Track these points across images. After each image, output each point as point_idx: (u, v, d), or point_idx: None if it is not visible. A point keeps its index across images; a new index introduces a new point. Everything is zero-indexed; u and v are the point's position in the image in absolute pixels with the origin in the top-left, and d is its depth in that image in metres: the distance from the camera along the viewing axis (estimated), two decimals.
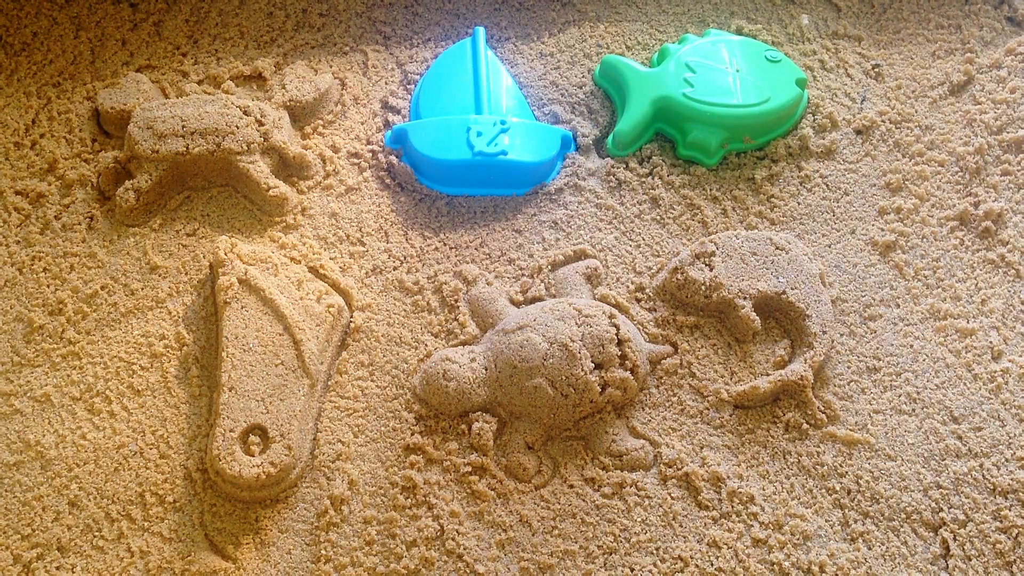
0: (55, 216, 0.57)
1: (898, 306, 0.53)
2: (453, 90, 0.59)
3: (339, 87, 0.62)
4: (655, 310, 0.53)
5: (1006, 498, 0.47)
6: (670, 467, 0.49)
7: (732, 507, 0.48)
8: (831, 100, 0.61)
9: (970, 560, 0.46)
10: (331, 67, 0.63)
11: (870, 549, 0.47)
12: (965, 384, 0.51)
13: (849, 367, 0.51)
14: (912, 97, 0.62)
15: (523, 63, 0.63)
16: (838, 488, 0.48)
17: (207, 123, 0.57)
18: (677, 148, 0.58)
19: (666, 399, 0.51)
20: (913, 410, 0.50)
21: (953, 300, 0.53)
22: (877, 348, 0.52)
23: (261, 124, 0.57)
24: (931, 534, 0.47)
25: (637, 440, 0.49)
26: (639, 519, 0.47)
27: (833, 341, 0.51)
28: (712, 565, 0.46)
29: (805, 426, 0.50)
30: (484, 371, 0.50)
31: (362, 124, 0.61)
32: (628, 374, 0.49)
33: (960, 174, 0.58)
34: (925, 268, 0.55)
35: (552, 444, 0.50)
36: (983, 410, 0.50)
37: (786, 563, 0.46)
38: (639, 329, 0.52)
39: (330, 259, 0.55)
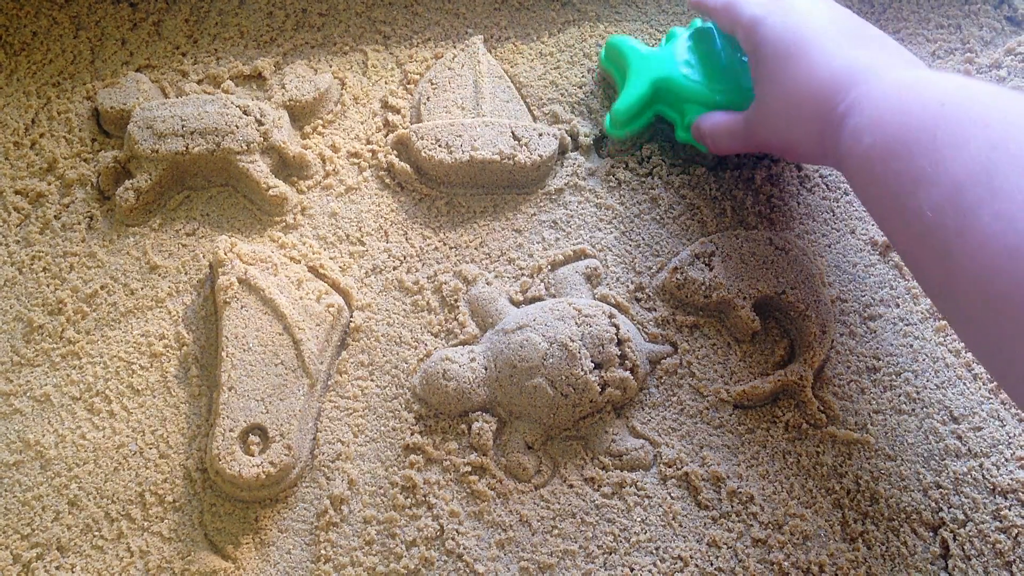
0: (55, 216, 0.57)
1: (898, 306, 0.53)
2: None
3: (339, 87, 0.62)
4: (655, 310, 0.53)
5: (1006, 498, 0.47)
6: (670, 467, 0.49)
7: (732, 507, 0.48)
8: None
9: (970, 560, 0.46)
10: (331, 67, 0.63)
11: (870, 549, 0.47)
12: (965, 384, 0.51)
13: (849, 367, 0.51)
14: None
15: (523, 63, 0.63)
16: (838, 488, 0.48)
17: (207, 123, 0.57)
18: (676, 130, 0.57)
19: (666, 399, 0.51)
20: (913, 410, 0.50)
21: None
22: (877, 348, 0.52)
23: (261, 124, 0.57)
24: (931, 534, 0.47)
25: (637, 440, 0.49)
26: (639, 519, 0.47)
27: (833, 341, 0.51)
28: (712, 565, 0.46)
29: (805, 426, 0.50)
30: (484, 371, 0.50)
31: (362, 124, 0.61)
32: (628, 374, 0.49)
33: None
34: None
35: (552, 444, 0.50)
36: (983, 410, 0.50)
37: (786, 563, 0.46)
38: (639, 329, 0.52)
39: (330, 259, 0.55)
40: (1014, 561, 0.46)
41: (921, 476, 0.48)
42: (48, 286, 0.55)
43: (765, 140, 0.50)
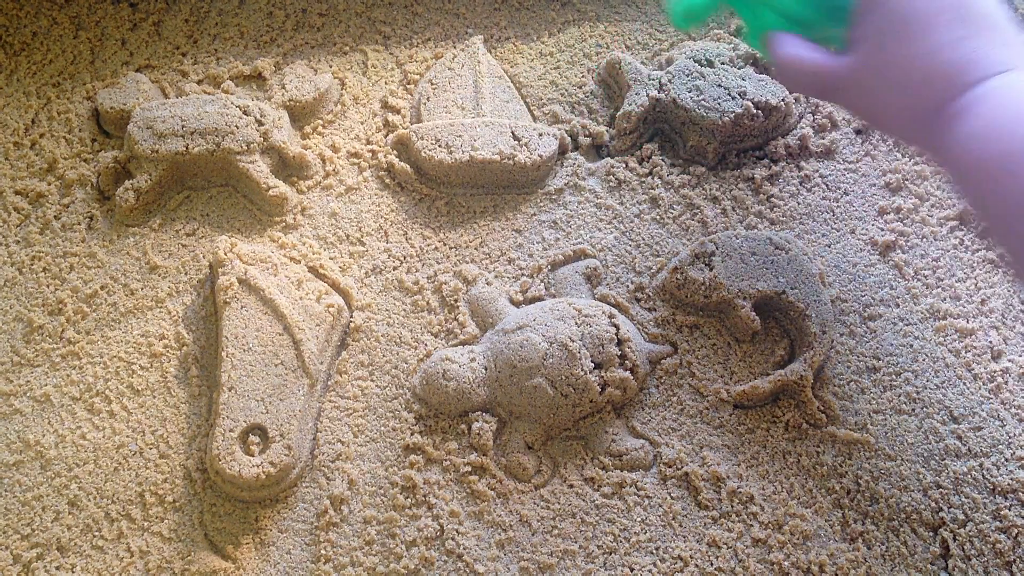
0: (55, 216, 0.57)
1: (898, 306, 0.53)
2: None
3: (339, 87, 0.62)
4: (655, 310, 0.53)
5: (1006, 498, 0.47)
6: (670, 467, 0.49)
7: (732, 507, 0.48)
8: None
9: (970, 560, 0.46)
10: (331, 67, 0.63)
11: (870, 549, 0.47)
12: (965, 384, 0.51)
13: (849, 367, 0.51)
14: None
15: (523, 63, 0.63)
16: (838, 488, 0.48)
17: (207, 123, 0.57)
18: (748, 34, 0.52)
19: (666, 399, 0.51)
20: (913, 410, 0.50)
21: (953, 300, 0.54)
22: (877, 348, 0.52)
23: (261, 124, 0.57)
24: (931, 534, 0.47)
25: (637, 440, 0.49)
26: (639, 519, 0.47)
27: (833, 341, 0.51)
28: (712, 565, 0.46)
29: (805, 426, 0.50)
30: (484, 371, 0.50)
31: (362, 124, 0.61)
32: (628, 374, 0.49)
33: None
34: (925, 268, 0.55)
35: (552, 444, 0.50)
36: (983, 410, 0.50)
37: (786, 563, 0.46)
38: (639, 329, 0.52)
39: (330, 259, 0.55)
40: (1014, 561, 0.46)
41: (921, 476, 0.48)
42: (48, 286, 0.55)
43: (854, 104, 0.47)
